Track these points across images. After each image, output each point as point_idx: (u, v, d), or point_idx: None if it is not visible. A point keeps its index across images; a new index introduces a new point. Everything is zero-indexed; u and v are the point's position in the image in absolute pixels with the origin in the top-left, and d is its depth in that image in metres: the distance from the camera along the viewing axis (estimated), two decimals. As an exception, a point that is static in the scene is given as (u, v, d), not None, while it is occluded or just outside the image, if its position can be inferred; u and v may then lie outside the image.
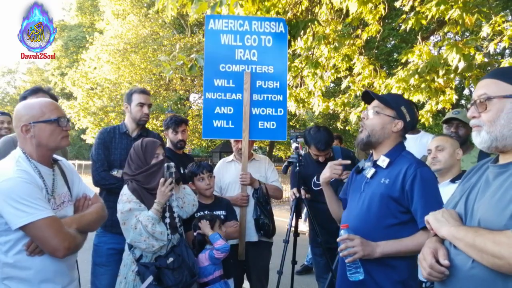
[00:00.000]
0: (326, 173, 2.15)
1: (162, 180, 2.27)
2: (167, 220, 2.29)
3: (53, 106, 1.71)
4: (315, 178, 3.17)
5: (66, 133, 1.73)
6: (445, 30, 4.72)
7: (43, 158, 1.69)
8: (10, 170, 1.55)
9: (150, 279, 2.14)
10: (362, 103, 5.61)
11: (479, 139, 1.23)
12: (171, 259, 2.22)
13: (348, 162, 2.17)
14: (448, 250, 1.25)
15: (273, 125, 3.24)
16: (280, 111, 3.26)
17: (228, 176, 3.20)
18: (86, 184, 1.98)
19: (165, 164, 2.30)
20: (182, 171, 3.11)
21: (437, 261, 1.24)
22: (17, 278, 1.57)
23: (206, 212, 2.73)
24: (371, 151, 2.00)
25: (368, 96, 2.00)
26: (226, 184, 3.17)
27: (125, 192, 2.32)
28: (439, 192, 1.81)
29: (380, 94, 2.13)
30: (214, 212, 2.74)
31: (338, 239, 1.78)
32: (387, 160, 1.87)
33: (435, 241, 1.31)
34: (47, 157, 1.72)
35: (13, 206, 1.48)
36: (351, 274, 1.76)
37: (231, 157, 3.33)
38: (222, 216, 2.73)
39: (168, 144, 3.30)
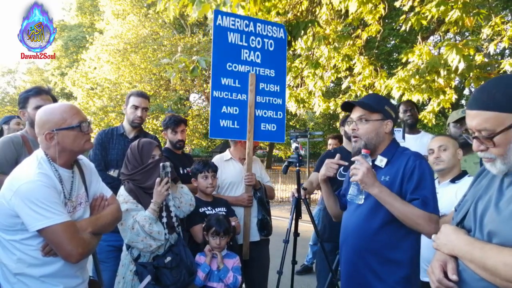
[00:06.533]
0: (322, 170, 2.17)
1: (158, 179, 2.27)
2: (164, 220, 2.29)
3: (74, 111, 1.71)
4: (341, 168, 3.18)
5: (88, 136, 1.75)
6: (443, 29, 4.73)
7: (65, 162, 1.71)
8: (32, 173, 1.57)
9: (148, 278, 2.14)
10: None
11: (496, 170, 1.20)
12: (169, 259, 2.22)
13: (346, 163, 2.17)
14: (458, 263, 1.23)
15: (273, 127, 3.30)
16: (280, 114, 3.33)
17: (228, 175, 3.16)
18: (104, 184, 1.98)
19: (161, 164, 2.30)
20: (182, 171, 3.11)
21: (446, 275, 1.21)
22: (30, 274, 1.59)
23: (209, 207, 2.73)
24: None
25: (348, 105, 2.01)
26: (226, 183, 3.14)
27: (122, 193, 2.32)
28: (433, 183, 1.83)
29: (366, 95, 2.14)
30: (216, 209, 2.75)
31: (352, 158, 1.83)
32: (385, 160, 1.91)
33: (445, 253, 1.28)
34: (69, 161, 1.73)
35: (31, 208, 1.51)
36: (351, 195, 1.83)
37: (228, 155, 3.28)
38: (223, 213, 2.73)
39: (167, 144, 3.29)
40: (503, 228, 1.11)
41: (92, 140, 2.91)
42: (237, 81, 3.17)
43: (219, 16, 3.15)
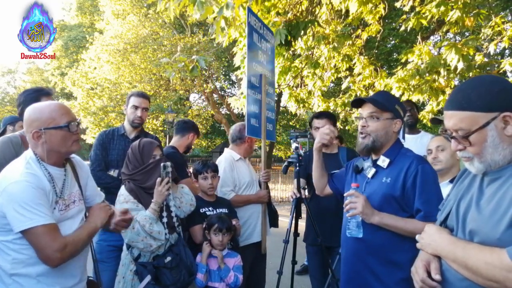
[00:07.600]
0: (317, 139, 2.26)
1: (158, 179, 2.27)
2: (165, 220, 2.29)
3: (63, 111, 1.68)
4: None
5: (76, 137, 1.72)
6: (444, 29, 4.73)
7: (55, 161, 1.69)
8: (19, 173, 1.56)
9: (148, 278, 2.14)
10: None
11: (474, 169, 1.23)
12: (169, 259, 2.22)
13: (336, 132, 2.27)
14: (441, 262, 1.23)
15: (271, 127, 3.44)
16: (272, 115, 3.49)
17: (244, 175, 3.13)
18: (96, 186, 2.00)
19: (162, 164, 2.30)
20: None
21: (429, 275, 1.22)
22: (27, 273, 1.57)
23: (210, 208, 2.72)
24: None
25: (359, 101, 1.99)
26: (245, 183, 3.10)
27: (123, 193, 2.33)
28: (439, 188, 1.82)
29: (377, 93, 2.15)
30: (217, 210, 2.74)
31: (345, 194, 1.84)
32: (387, 160, 1.90)
33: (428, 253, 1.29)
34: (58, 160, 1.72)
35: (16, 210, 1.50)
36: (350, 231, 1.83)
37: (237, 154, 3.19)
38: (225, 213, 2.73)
39: (176, 145, 3.29)
40: (484, 227, 1.12)
41: (93, 140, 2.90)
42: (256, 80, 3.25)
43: (249, 14, 3.12)
